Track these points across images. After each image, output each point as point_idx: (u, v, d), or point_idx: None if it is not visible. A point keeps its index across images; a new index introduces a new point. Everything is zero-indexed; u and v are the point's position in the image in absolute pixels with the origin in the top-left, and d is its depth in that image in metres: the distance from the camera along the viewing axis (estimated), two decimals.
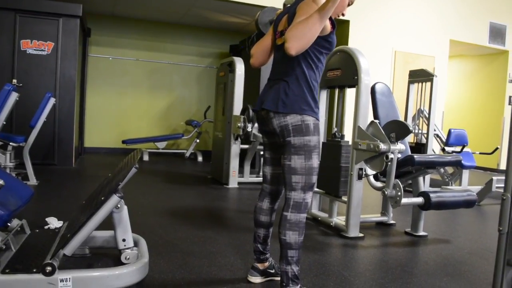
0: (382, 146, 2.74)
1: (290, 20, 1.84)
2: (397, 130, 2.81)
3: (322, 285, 2.14)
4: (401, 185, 2.88)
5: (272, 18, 2.33)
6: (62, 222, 2.87)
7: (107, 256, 2.30)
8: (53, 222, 2.83)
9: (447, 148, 5.34)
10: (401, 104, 5.75)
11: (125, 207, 2.04)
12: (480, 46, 8.07)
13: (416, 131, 5.43)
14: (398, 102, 7.07)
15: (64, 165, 5.70)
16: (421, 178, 3.18)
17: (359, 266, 2.46)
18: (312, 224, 3.39)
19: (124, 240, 2.07)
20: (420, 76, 5.12)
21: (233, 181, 5.02)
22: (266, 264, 2.13)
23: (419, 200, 2.94)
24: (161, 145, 7.77)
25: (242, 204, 4.12)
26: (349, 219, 3.07)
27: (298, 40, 1.61)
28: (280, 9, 2.25)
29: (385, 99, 3.62)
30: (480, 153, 5.66)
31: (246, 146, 5.26)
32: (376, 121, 2.91)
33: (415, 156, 2.97)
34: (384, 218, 3.51)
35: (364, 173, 3.10)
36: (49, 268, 1.71)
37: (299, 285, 1.82)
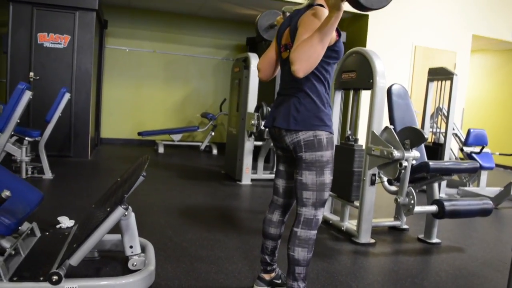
0: (396, 153, 2.68)
1: (292, 34, 1.78)
2: (412, 137, 2.74)
3: None
4: (414, 193, 2.82)
5: (272, 22, 2.27)
6: (73, 221, 2.91)
7: (115, 259, 2.32)
8: (65, 222, 2.86)
9: (465, 149, 5.21)
10: (420, 101, 5.63)
11: (133, 214, 2.05)
12: (503, 42, 7.82)
13: (435, 130, 5.30)
14: (417, 98, 6.97)
15: (80, 157, 5.77)
16: (436, 185, 3.11)
17: (368, 277, 2.42)
18: (323, 228, 3.36)
19: (131, 247, 2.09)
20: (439, 74, 5.00)
21: (246, 178, 5.01)
22: (273, 274, 2.11)
23: (433, 208, 2.88)
24: (177, 137, 7.79)
25: (253, 203, 4.11)
26: (360, 225, 3.02)
27: (305, 62, 1.56)
28: (280, 14, 2.19)
29: (402, 101, 3.53)
30: (499, 154, 5.50)
31: (260, 143, 5.24)
32: (391, 126, 2.85)
33: (430, 163, 2.90)
34: (397, 223, 3.45)
35: (378, 178, 3.04)
36: (55, 277, 1.73)
37: None
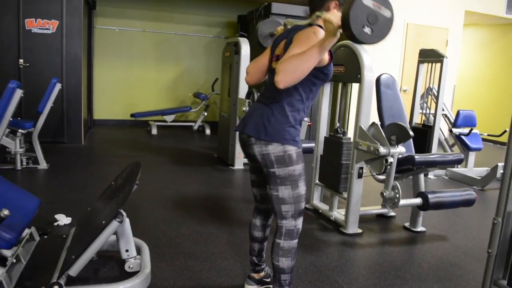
0: (382, 150, 2.75)
1: (286, 47, 1.81)
2: (398, 133, 2.81)
3: None
4: (399, 187, 2.92)
5: (272, 31, 2.29)
6: (70, 219, 2.99)
7: (112, 259, 2.42)
8: (62, 219, 2.95)
9: (454, 130, 5.30)
10: (411, 79, 5.63)
11: (127, 220, 2.13)
12: (497, 17, 7.78)
13: (425, 111, 5.36)
14: (408, 76, 7.00)
15: (74, 143, 5.81)
16: (422, 177, 3.21)
17: (353, 271, 2.55)
18: (313, 217, 3.48)
19: (127, 250, 2.19)
20: (430, 56, 5.02)
21: (239, 163, 5.09)
22: (262, 274, 2.23)
23: (417, 201, 2.99)
24: (169, 118, 7.82)
25: (245, 191, 4.19)
26: (348, 216, 3.13)
27: (288, 75, 1.57)
28: (280, 23, 2.21)
29: (390, 91, 3.58)
30: (488, 135, 5.60)
31: None
32: (378, 123, 2.91)
33: (416, 157, 2.99)
34: (384, 211, 3.56)
35: (365, 171, 3.13)
36: (56, 287, 1.82)
37: None
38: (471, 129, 5.10)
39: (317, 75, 1.77)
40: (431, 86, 5.30)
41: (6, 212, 1.67)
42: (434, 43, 7.38)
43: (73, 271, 1.87)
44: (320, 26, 1.77)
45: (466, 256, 2.85)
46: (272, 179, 1.83)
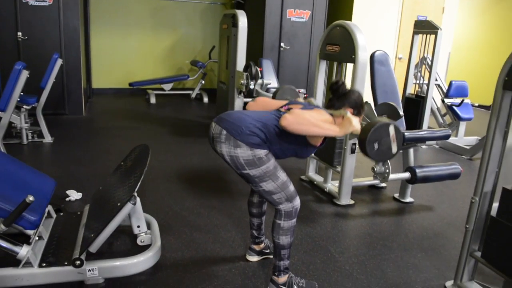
0: None
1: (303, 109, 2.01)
2: (390, 112, 2.98)
3: (310, 262, 2.47)
4: (389, 163, 3.11)
5: (289, 99, 2.50)
6: (81, 194, 3.19)
7: (124, 233, 2.63)
8: (73, 195, 3.14)
9: (446, 100, 5.45)
10: (407, 47, 5.68)
11: (138, 199, 2.32)
12: None
13: (419, 81, 5.49)
14: (404, 44, 7.05)
15: (75, 114, 5.94)
16: (411, 152, 3.39)
17: (345, 241, 2.78)
18: (309, 188, 3.69)
19: (138, 226, 2.40)
20: (425, 27, 5.09)
21: None
22: (262, 245, 2.45)
23: (406, 175, 3.19)
24: (167, 87, 7.90)
25: None
26: (341, 188, 3.35)
27: (297, 123, 1.81)
28: (298, 94, 2.43)
29: (384, 68, 3.71)
30: (479, 106, 5.76)
31: (249, 100, 5.41)
32: (370, 102, 3.06)
33: (405, 134, 3.16)
34: (375, 182, 3.75)
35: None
36: (78, 262, 2.03)
37: (288, 274, 2.14)
38: (463, 100, 5.25)
39: (301, 143, 1.99)
40: (425, 55, 5.41)
41: (31, 198, 1.85)
42: (430, 10, 7.40)
43: (93, 248, 2.08)
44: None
45: (449, 226, 3.09)
46: (250, 179, 1.93)
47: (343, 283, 2.28)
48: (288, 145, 1.98)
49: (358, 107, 2.11)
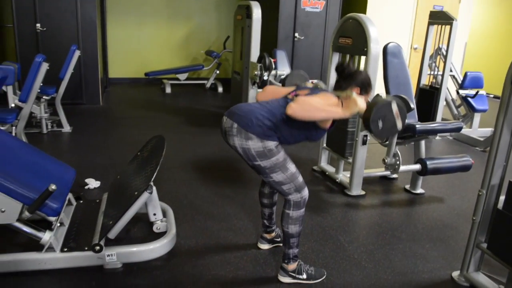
0: None
1: (309, 94, 2.04)
2: (401, 105, 2.99)
3: (319, 251, 2.54)
4: (399, 154, 3.15)
5: (299, 84, 2.51)
6: (99, 182, 3.31)
7: (141, 220, 2.73)
8: (92, 183, 3.26)
9: (461, 91, 5.42)
10: (423, 37, 5.62)
11: (154, 188, 2.42)
12: None
13: (433, 71, 5.46)
14: (419, 34, 6.97)
15: (92, 104, 6.08)
16: (423, 144, 3.41)
17: (354, 231, 2.85)
18: (321, 179, 3.75)
19: (154, 214, 2.50)
20: (440, 18, 5.06)
21: None
22: (273, 234, 2.54)
23: (417, 167, 3.23)
24: (182, 76, 7.99)
25: None
26: (352, 179, 3.40)
27: (302, 110, 1.86)
28: (307, 78, 2.44)
29: (396, 60, 3.71)
30: (494, 97, 5.70)
31: None
32: (382, 94, 3.09)
33: (417, 126, 3.18)
34: (387, 173, 3.80)
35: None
36: (97, 248, 2.14)
37: (297, 261, 2.21)
38: (477, 92, 5.21)
39: (310, 128, 2.03)
40: (440, 46, 5.37)
41: (53, 187, 1.95)
42: (446, 0, 7.29)
43: (112, 234, 2.19)
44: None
45: (459, 217, 3.12)
46: (261, 170, 2.00)
47: (351, 271, 2.35)
48: (298, 130, 2.03)
49: (365, 86, 2.13)
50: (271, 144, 1.96)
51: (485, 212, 2.16)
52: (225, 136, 2.04)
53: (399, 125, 2.03)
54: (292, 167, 2.04)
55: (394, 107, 2.00)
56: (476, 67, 7.13)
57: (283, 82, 2.74)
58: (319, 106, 1.90)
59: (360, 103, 1.93)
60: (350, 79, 2.13)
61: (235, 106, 2.07)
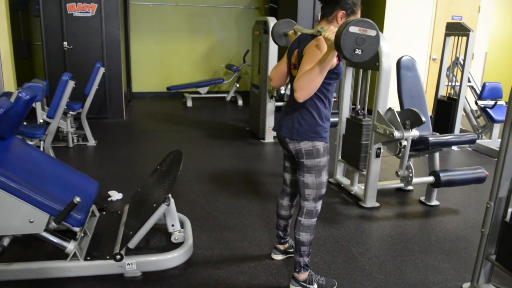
0: (397, 134, 3.02)
1: (299, 57, 2.07)
2: (413, 118, 3.06)
3: (331, 262, 2.61)
4: (412, 167, 3.19)
5: (286, 31, 2.50)
6: (121, 194, 3.46)
7: (160, 231, 2.85)
8: (115, 195, 3.42)
9: (480, 102, 5.39)
10: (441, 47, 5.60)
11: (172, 200, 2.54)
12: None
13: (452, 82, 5.45)
14: (438, 43, 6.96)
15: (116, 118, 6.31)
16: (437, 156, 3.44)
17: (367, 242, 2.90)
18: (336, 191, 3.81)
19: (173, 225, 2.61)
20: (457, 29, 5.09)
21: (269, 136, 5.44)
22: (286, 245, 2.62)
23: (430, 179, 3.25)
24: (203, 90, 8.19)
25: (274, 166, 4.54)
26: (367, 191, 3.45)
27: (305, 90, 1.89)
28: (295, 24, 2.43)
29: (410, 73, 3.76)
30: None
31: (281, 104, 5.57)
32: (394, 108, 3.15)
33: (430, 139, 3.22)
34: (401, 185, 3.83)
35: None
36: (118, 257, 2.27)
37: (309, 271, 2.29)
38: (496, 102, 5.18)
39: (330, 77, 2.02)
40: (458, 56, 5.37)
41: (78, 199, 2.10)
42: (465, 10, 7.28)
43: (132, 244, 2.32)
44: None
45: (473, 230, 3.13)
46: (301, 167, 2.17)
47: (362, 281, 2.40)
48: (325, 90, 2.06)
49: (351, 6, 2.01)
50: (320, 144, 2.12)
51: (493, 224, 2.19)
52: (281, 143, 2.27)
53: (373, 32, 1.73)
54: (324, 178, 2.18)
55: (354, 29, 1.70)
56: (498, 77, 7.05)
57: (272, 32, 2.61)
58: (311, 76, 1.85)
59: (333, 36, 1.73)
60: (334, 3, 2.01)
61: (280, 118, 2.26)
